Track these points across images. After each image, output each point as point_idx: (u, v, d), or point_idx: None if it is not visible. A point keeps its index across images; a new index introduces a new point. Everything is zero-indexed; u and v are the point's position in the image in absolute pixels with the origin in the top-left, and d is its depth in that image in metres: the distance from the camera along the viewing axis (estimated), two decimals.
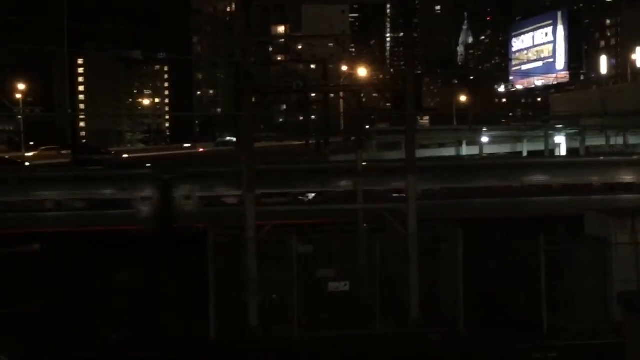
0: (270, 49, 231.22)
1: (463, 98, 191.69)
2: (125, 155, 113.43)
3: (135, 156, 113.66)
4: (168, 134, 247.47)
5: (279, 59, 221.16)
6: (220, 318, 24.39)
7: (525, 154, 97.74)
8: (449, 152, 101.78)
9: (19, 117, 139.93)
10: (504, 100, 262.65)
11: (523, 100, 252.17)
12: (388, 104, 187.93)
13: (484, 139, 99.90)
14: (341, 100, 64.46)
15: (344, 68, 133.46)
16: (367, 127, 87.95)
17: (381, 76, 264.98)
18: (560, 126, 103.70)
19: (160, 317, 26.24)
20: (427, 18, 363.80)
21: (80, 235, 38.17)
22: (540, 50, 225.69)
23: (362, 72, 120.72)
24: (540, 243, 24.66)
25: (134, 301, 27.76)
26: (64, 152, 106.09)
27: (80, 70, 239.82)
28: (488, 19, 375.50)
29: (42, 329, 25.31)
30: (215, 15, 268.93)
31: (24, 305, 27.52)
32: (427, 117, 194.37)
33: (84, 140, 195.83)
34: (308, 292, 24.89)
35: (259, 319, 24.75)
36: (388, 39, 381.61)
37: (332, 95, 63.90)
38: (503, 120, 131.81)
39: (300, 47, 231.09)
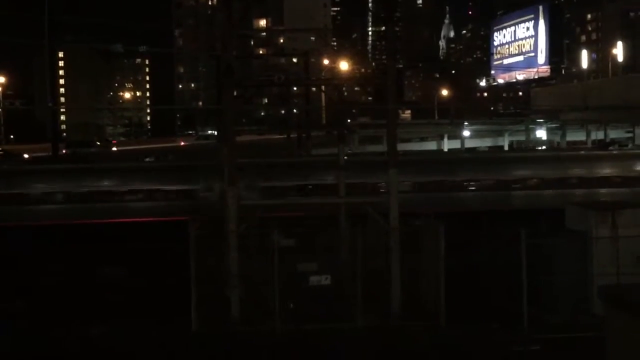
0: (252, 42, 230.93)
1: (445, 92, 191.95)
2: (114, 149, 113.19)
3: (126, 149, 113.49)
4: (149, 127, 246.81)
5: (261, 52, 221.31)
6: (202, 311, 24.37)
7: (506, 147, 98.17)
8: (431, 146, 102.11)
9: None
10: (485, 94, 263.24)
11: (504, 95, 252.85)
12: (370, 98, 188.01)
13: (466, 133, 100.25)
14: (323, 94, 64.47)
15: (326, 62, 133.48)
16: (349, 121, 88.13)
17: (363, 70, 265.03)
18: (541, 120, 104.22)
19: None
20: (409, 12, 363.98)
21: None
22: (522, 44, 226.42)
23: (344, 65, 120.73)
24: (521, 236, 24.73)
25: None
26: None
27: (61, 63, 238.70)
28: (469, 12, 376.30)
29: None
30: (196, 8, 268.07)
31: None
32: (409, 111, 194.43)
33: (64, 134, 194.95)
34: (289, 285, 24.90)
35: (241, 312, 24.74)
36: (370, 33, 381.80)
37: (313, 88, 64.03)
38: (489, 118, 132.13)
39: (281, 40, 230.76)
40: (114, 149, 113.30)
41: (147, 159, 79.63)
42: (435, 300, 25.01)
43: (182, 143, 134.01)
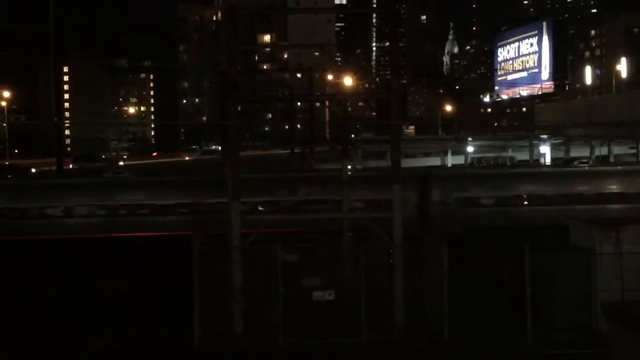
0: (256, 57, 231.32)
1: (448, 107, 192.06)
2: (121, 163, 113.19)
3: (131, 163, 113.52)
4: (153, 142, 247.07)
5: (265, 67, 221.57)
6: (205, 326, 24.34)
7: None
8: (435, 161, 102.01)
9: (4, 124, 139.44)
10: (489, 110, 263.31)
11: (508, 110, 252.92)
12: (374, 113, 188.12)
13: (470, 149, 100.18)
14: (327, 109, 64.45)
15: (330, 77, 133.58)
16: (353, 136, 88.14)
17: (367, 85, 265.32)
18: (545, 136, 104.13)
19: None
20: (413, 28, 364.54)
21: None
22: (525, 60, 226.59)
23: (348, 81, 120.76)
24: (525, 251, 24.70)
25: None
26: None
27: (66, 77, 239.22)
28: (474, 28, 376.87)
29: None
30: (201, 23, 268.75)
31: None
32: (412, 127, 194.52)
33: (69, 148, 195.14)
34: (293, 300, 24.86)
35: (244, 326, 24.70)
36: (374, 48, 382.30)
37: (317, 104, 64.08)
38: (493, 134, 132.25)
39: (286, 56, 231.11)
40: (121, 163, 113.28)
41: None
42: (438, 315, 24.96)
43: (187, 158, 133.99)
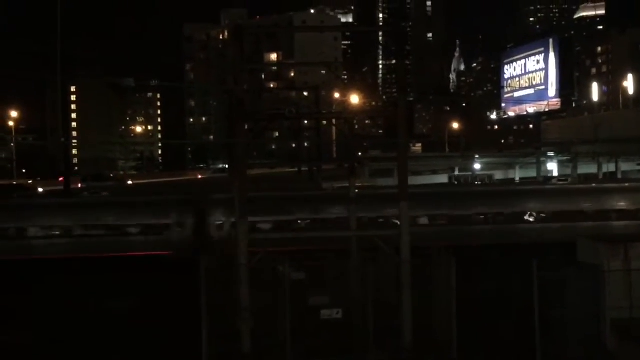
0: (263, 76, 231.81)
1: (455, 125, 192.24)
2: (129, 182, 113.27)
3: (140, 182, 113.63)
4: (160, 161, 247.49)
5: (272, 86, 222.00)
6: (213, 344, 24.28)
7: (517, 180, 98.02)
8: (442, 179, 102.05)
9: (12, 144, 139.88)
10: (496, 127, 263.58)
11: (515, 127, 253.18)
12: (380, 131, 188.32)
13: (477, 166, 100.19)
14: (334, 128, 64.55)
15: (337, 95, 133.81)
16: (360, 154, 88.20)
17: (373, 103, 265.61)
18: (552, 153, 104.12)
19: None
20: (420, 45, 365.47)
21: None
22: (532, 77, 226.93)
23: (355, 99, 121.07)
24: (533, 269, 24.61)
25: None
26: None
27: (73, 97, 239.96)
28: (480, 46, 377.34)
29: None
30: (208, 42, 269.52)
31: None
32: (419, 144, 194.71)
33: (76, 168, 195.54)
34: (301, 319, 24.79)
35: (252, 345, 24.63)
36: (380, 66, 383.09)
37: (324, 122, 64.15)
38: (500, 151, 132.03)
39: (292, 74, 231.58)
40: (129, 182, 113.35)
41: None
42: (446, 332, 24.87)
43: (200, 176, 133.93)
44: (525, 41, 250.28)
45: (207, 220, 39.54)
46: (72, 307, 30.82)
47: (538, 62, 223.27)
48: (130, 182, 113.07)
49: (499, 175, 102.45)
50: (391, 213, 37.71)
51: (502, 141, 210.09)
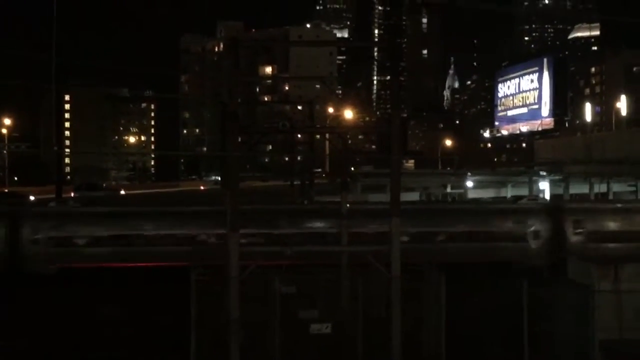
0: (257, 89, 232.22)
1: (448, 142, 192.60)
2: (122, 192, 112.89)
3: (134, 192, 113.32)
4: (153, 171, 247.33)
5: (266, 99, 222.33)
6: (200, 357, 24.23)
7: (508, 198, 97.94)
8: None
9: (4, 151, 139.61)
10: (489, 145, 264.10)
11: (508, 146, 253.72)
12: (373, 147, 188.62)
13: (469, 184, 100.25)
14: (327, 142, 64.58)
15: (330, 110, 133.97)
16: (352, 169, 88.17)
17: (367, 118, 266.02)
18: (544, 173, 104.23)
19: None
20: (414, 62, 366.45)
21: None
22: (526, 96, 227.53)
23: (348, 114, 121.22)
24: (523, 287, 24.65)
25: None
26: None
27: (67, 106, 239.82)
28: (474, 64, 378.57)
29: None
30: (203, 54, 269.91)
31: None
32: (412, 161, 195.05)
33: (68, 177, 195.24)
34: (290, 333, 24.77)
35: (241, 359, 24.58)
36: (375, 82, 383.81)
37: (318, 136, 64.21)
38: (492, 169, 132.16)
39: (287, 87, 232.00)
40: (122, 192, 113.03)
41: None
42: (436, 348, 24.88)
43: (202, 187, 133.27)
44: (519, 60, 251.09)
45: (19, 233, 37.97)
46: (59, 315, 30.71)
47: (532, 81, 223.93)
48: (123, 192, 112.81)
49: (490, 193, 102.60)
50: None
51: (495, 159, 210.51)
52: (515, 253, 36.14)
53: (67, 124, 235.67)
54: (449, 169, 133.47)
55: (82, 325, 30.05)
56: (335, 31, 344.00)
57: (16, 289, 32.07)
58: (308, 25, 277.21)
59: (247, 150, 31.88)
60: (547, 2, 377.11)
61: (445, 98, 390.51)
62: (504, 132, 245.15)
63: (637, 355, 22.97)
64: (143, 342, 27.79)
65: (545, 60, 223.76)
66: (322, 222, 44.29)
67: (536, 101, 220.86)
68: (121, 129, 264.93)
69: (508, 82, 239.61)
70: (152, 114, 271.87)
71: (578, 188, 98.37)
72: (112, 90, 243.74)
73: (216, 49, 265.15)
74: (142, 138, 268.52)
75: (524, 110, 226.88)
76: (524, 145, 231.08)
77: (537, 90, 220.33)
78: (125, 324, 30.38)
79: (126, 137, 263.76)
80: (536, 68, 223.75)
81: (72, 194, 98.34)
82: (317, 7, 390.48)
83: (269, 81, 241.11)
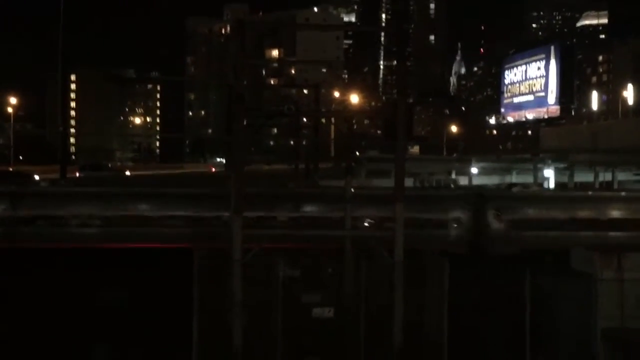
0: (264, 72, 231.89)
1: (454, 128, 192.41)
2: (127, 173, 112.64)
3: (141, 174, 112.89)
4: (158, 152, 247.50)
5: (272, 82, 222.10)
6: (203, 342, 24.27)
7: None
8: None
9: (11, 130, 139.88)
10: (495, 132, 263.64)
11: (513, 133, 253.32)
12: (379, 131, 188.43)
13: (474, 170, 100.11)
14: (332, 126, 64.60)
15: (336, 94, 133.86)
16: (357, 153, 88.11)
17: (373, 103, 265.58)
18: (549, 160, 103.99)
19: None
20: (421, 47, 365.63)
21: None
22: (532, 83, 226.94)
23: (354, 98, 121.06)
24: (525, 277, 24.65)
25: None
26: None
27: (73, 86, 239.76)
28: (481, 50, 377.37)
29: None
30: (209, 36, 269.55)
31: None
32: (417, 146, 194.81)
33: (73, 157, 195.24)
34: (293, 316, 24.81)
35: (243, 343, 24.62)
36: (381, 67, 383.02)
37: (323, 120, 64.24)
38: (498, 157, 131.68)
39: (293, 71, 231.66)
40: (128, 173, 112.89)
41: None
42: (437, 336, 24.90)
43: (213, 169, 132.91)
44: (527, 47, 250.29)
45: None
46: (59, 299, 30.63)
47: (539, 68, 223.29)
48: (128, 173, 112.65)
49: (495, 180, 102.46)
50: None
51: (500, 147, 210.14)
52: (435, 241, 36.03)
53: (73, 104, 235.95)
54: (455, 155, 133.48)
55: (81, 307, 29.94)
56: (342, 15, 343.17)
57: None
58: (315, 9, 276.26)
59: (253, 133, 31.86)
60: None
61: (452, 84, 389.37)
62: (510, 119, 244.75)
63: (639, 343, 22.97)
64: (145, 327, 27.74)
65: (552, 47, 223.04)
66: (325, 206, 44.30)
67: (543, 89, 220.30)
68: (127, 109, 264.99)
69: (515, 69, 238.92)
70: (158, 96, 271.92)
71: (583, 176, 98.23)
72: (118, 71, 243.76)
73: (223, 31, 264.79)
74: (148, 119, 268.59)
75: (531, 97, 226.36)
76: (529, 132, 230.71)
77: (544, 78, 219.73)
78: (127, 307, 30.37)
79: (132, 118, 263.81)
80: (543, 55, 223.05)
81: (77, 174, 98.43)
82: None
83: (275, 64, 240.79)
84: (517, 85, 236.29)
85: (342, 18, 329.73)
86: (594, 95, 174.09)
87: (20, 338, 26.76)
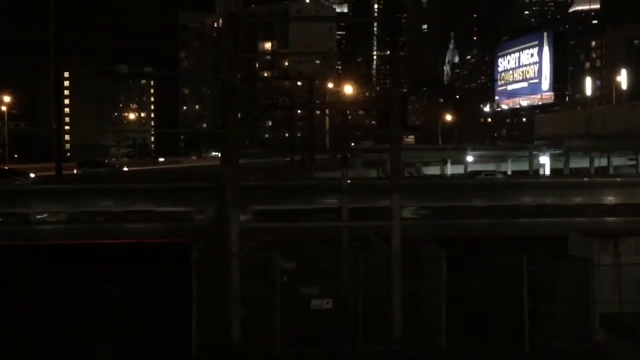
0: (257, 64, 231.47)
1: (448, 117, 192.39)
2: (125, 168, 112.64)
3: (139, 169, 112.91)
4: (153, 147, 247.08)
5: (266, 75, 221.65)
6: (203, 333, 24.29)
7: (509, 173, 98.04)
8: (434, 170, 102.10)
9: (5, 129, 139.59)
10: (489, 119, 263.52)
11: (508, 120, 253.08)
12: (373, 122, 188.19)
13: (469, 158, 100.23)
14: (327, 118, 64.42)
15: (330, 85, 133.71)
16: (353, 144, 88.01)
17: (367, 94, 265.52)
18: (545, 147, 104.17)
19: None
20: (414, 37, 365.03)
21: None
22: (526, 70, 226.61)
23: (348, 89, 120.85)
24: (523, 262, 24.69)
25: None
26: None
27: (66, 83, 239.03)
28: (474, 38, 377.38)
29: None
30: (202, 30, 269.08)
31: None
32: (412, 136, 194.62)
33: (68, 154, 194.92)
34: (291, 308, 24.84)
35: (242, 335, 24.64)
36: (375, 57, 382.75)
37: (318, 112, 64.10)
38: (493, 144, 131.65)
39: (286, 63, 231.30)
40: (125, 168, 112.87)
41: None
42: (436, 324, 24.95)
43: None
44: (519, 34, 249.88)
45: None
46: (61, 293, 30.66)
47: (532, 55, 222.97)
48: (125, 169, 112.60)
49: (490, 167, 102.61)
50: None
51: (495, 134, 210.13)
52: (186, 232, 36.72)
53: (66, 101, 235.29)
54: (452, 144, 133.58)
55: (82, 301, 30.00)
56: (334, 6, 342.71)
57: None
58: (307, 1, 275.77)
59: (247, 126, 31.83)
60: None
61: (445, 73, 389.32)
62: (504, 107, 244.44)
63: (637, 328, 23.03)
64: (145, 320, 27.75)
65: (545, 34, 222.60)
66: (322, 198, 44.40)
67: (536, 75, 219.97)
68: (121, 105, 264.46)
69: (508, 56, 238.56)
70: (152, 90, 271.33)
71: (578, 162, 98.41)
72: (111, 66, 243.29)
73: (215, 25, 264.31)
74: (142, 115, 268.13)
75: (524, 84, 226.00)
76: (524, 119, 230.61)
77: (537, 65, 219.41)
78: (127, 301, 30.38)
79: (126, 114, 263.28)
80: (536, 42, 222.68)
81: (75, 171, 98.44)
82: None
83: (269, 57, 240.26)
84: (511, 72, 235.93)
85: (335, 9, 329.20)
86: (588, 81, 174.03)
87: None
